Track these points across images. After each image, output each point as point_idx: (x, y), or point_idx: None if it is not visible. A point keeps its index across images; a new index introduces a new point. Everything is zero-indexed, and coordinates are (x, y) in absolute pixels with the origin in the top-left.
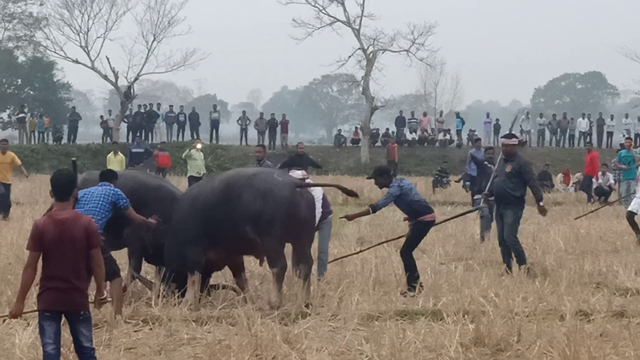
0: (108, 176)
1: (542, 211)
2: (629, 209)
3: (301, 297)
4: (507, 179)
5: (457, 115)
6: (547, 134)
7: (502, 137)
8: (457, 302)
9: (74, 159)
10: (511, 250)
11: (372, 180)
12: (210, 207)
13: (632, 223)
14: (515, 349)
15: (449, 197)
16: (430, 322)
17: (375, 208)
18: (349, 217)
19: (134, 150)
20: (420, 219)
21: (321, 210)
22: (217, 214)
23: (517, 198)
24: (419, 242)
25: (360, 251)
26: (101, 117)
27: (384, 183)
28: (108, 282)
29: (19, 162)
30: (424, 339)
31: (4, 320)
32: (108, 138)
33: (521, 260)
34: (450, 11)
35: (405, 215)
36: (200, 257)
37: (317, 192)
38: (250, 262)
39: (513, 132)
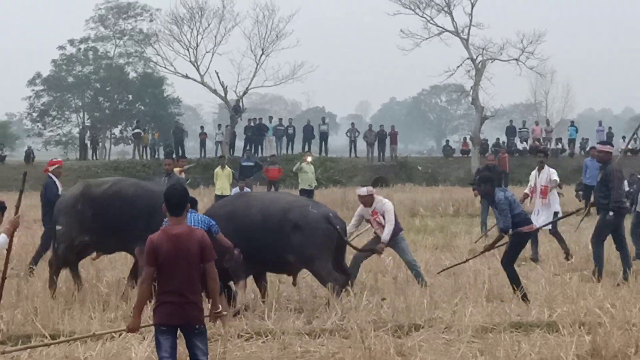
0: (192, 203)
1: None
2: None
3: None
4: (598, 187)
5: (572, 123)
6: None
7: (597, 143)
8: (573, 314)
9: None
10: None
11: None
12: (250, 231)
13: None
14: None
15: (562, 207)
16: (545, 334)
17: (505, 230)
18: (488, 249)
19: (244, 163)
20: (518, 230)
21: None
22: (257, 241)
23: (605, 205)
24: (519, 253)
25: (465, 261)
26: (201, 127)
27: (488, 191)
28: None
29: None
30: (540, 351)
31: (120, 335)
32: (210, 151)
33: (597, 263)
34: (560, 19)
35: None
36: (241, 265)
37: (388, 207)
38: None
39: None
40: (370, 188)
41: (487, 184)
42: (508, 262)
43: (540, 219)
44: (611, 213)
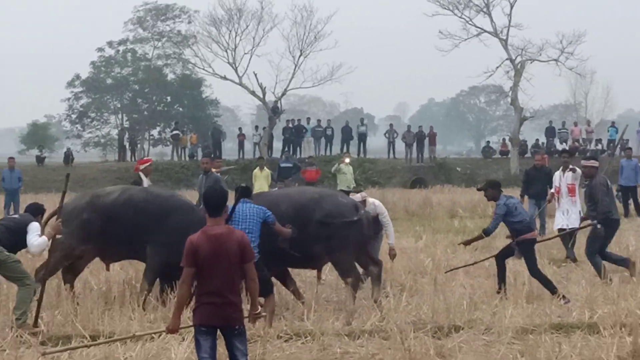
0: (248, 193)
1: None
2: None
3: (374, 295)
4: (587, 200)
5: (612, 124)
6: None
7: (582, 159)
8: (614, 315)
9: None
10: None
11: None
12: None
13: None
14: None
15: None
16: (586, 335)
17: (487, 232)
18: (465, 243)
19: (282, 165)
20: (521, 238)
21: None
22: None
23: (593, 217)
24: (535, 257)
25: (474, 263)
26: (239, 129)
27: (494, 196)
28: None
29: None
30: (581, 352)
31: (160, 336)
32: (248, 153)
33: (598, 272)
34: (600, 19)
35: (509, 233)
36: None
37: (382, 208)
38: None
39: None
40: (364, 194)
41: (495, 188)
42: (534, 270)
43: (571, 217)
44: (599, 225)
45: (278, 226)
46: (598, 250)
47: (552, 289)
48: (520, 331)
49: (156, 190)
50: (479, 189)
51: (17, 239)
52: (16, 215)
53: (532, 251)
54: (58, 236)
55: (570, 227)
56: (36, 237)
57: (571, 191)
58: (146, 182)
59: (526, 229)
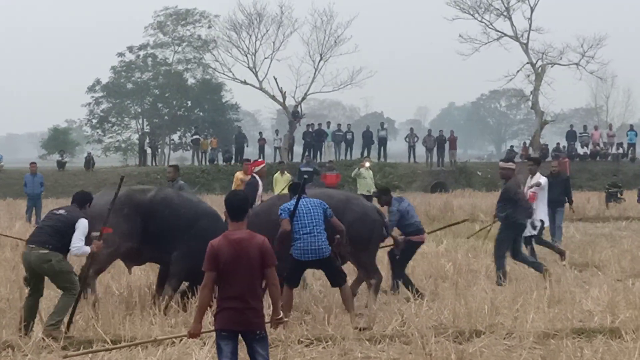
0: (297, 188)
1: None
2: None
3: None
4: (498, 202)
5: (631, 127)
6: None
7: (500, 161)
8: (636, 320)
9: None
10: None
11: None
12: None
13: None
14: None
15: (623, 212)
16: (608, 340)
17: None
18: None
19: (303, 169)
20: (408, 239)
21: None
22: None
23: (502, 219)
24: (409, 259)
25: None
26: (260, 133)
27: (386, 201)
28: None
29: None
30: (602, 357)
31: (181, 340)
32: (270, 157)
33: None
34: (621, 23)
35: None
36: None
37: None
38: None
39: None
40: None
41: (387, 194)
42: (399, 266)
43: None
44: (506, 227)
45: (335, 220)
46: (513, 254)
47: (410, 287)
48: (541, 336)
49: (186, 195)
50: (373, 196)
51: (66, 239)
52: (62, 211)
53: (411, 253)
54: (96, 234)
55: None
56: (81, 241)
57: (531, 199)
58: (260, 184)
59: (416, 232)
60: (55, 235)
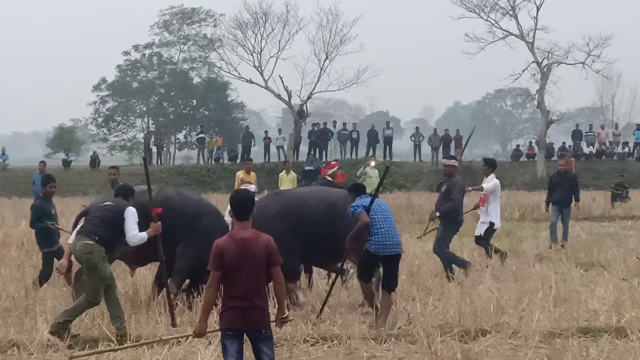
0: (359, 189)
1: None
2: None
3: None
4: (441, 197)
5: (637, 126)
6: None
7: (443, 159)
8: None
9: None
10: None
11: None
12: (314, 224)
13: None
14: None
15: (629, 212)
16: (613, 340)
17: None
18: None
19: (306, 168)
20: None
21: None
22: (319, 231)
23: (442, 213)
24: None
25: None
26: (265, 132)
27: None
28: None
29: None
30: (608, 356)
31: (187, 339)
32: (275, 156)
33: (446, 267)
34: (626, 22)
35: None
36: (298, 265)
37: None
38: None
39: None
40: None
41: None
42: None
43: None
44: (445, 223)
45: None
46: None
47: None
48: (547, 335)
49: (189, 193)
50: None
51: (115, 231)
52: (108, 202)
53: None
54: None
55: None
56: (135, 229)
57: (482, 201)
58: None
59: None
60: (102, 225)
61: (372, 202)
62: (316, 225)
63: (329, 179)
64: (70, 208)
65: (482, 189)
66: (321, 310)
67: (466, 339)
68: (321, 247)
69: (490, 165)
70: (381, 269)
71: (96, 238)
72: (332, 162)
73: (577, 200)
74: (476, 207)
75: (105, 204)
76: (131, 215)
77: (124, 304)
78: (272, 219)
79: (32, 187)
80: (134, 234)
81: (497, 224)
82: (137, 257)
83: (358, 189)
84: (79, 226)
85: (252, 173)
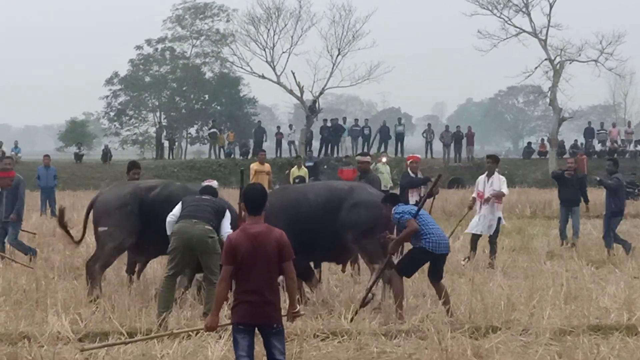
0: (395, 199)
1: None
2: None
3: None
4: None
5: None
6: None
7: (357, 155)
8: None
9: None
10: None
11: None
12: (308, 219)
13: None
14: None
15: None
16: (624, 337)
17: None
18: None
19: (307, 164)
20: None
21: None
22: (317, 225)
23: None
24: None
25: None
26: (277, 127)
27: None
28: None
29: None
30: (619, 354)
31: (197, 333)
32: (286, 151)
33: None
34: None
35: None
36: (302, 263)
37: None
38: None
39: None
40: None
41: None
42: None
43: (485, 224)
44: None
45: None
46: None
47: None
48: (558, 332)
49: (195, 188)
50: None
51: (219, 223)
52: (208, 197)
53: None
54: (102, 228)
55: (481, 232)
56: (229, 227)
57: (497, 198)
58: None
59: None
60: (214, 216)
61: (419, 209)
62: (312, 219)
63: (411, 173)
64: (82, 201)
65: (503, 194)
66: (363, 300)
67: (477, 336)
68: (315, 245)
69: (495, 161)
70: None
71: (212, 225)
72: (413, 155)
73: (586, 201)
74: (470, 208)
75: (206, 198)
76: (229, 215)
77: (134, 297)
78: (270, 213)
79: (37, 181)
80: (229, 231)
81: (502, 221)
82: (139, 251)
83: (394, 199)
84: (179, 211)
85: (266, 163)
